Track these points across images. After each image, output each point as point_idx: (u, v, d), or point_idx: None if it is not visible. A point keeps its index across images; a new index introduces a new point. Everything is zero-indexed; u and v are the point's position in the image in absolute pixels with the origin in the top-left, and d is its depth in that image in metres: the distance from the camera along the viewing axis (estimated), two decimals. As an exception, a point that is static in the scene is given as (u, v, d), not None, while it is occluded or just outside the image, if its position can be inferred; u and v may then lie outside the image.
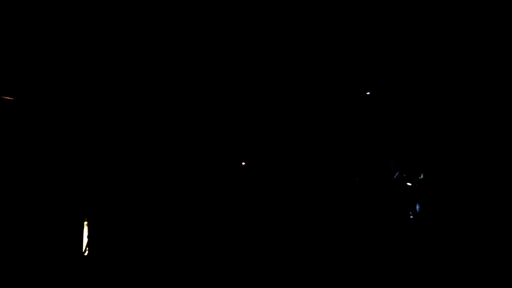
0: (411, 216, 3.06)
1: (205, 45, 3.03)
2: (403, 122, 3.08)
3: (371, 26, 2.96)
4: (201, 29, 2.98)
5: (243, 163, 3.20)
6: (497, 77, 2.97)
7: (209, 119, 3.20)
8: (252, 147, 3.24)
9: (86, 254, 2.96)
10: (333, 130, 3.14)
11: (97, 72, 2.92)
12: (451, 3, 2.87)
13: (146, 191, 3.07)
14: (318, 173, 3.22)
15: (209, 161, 3.18)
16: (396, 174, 3.02)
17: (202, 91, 3.15)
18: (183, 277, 2.97)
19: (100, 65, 2.93)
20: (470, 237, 2.97)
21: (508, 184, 2.94)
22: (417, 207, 3.11)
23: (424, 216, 3.09)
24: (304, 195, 3.20)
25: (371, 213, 3.11)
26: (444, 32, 2.95)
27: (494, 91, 3.00)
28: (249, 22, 2.93)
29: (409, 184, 3.07)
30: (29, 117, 2.80)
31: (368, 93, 3.04)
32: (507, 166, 2.95)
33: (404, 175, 3.09)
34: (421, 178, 3.09)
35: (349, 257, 3.00)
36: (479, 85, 3.01)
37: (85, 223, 3.05)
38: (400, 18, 2.93)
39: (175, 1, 2.88)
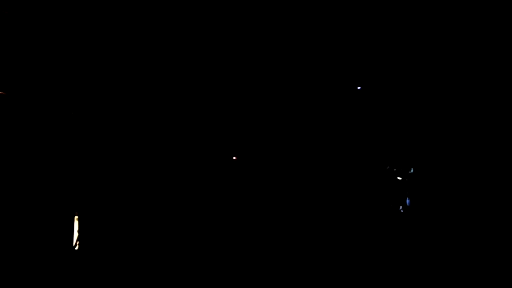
0: (401, 210, 3.08)
1: (192, 41, 3.03)
2: (393, 116, 3.09)
3: (360, 21, 2.97)
4: (187, 24, 2.98)
5: (234, 158, 3.20)
6: (486, 72, 2.98)
7: (201, 114, 3.19)
8: (243, 143, 3.23)
9: (76, 248, 2.96)
10: (323, 124, 3.15)
11: (86, 67, 2.91)
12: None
13: (136, 185, 3.07)
14: (309, 169, 3.22)
15: (200, 155, 3.18)
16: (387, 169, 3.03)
17: (192, 86, 3.14)
18: (176, 274, 2.98)
19: (90, 60, 2.92)
20: (462, 232, 2.99)
21: (499, 179, 2.95)
22: (407, 201, 3.12)
23: (414, 211, 3.10)
24: (294, 190, 3.20)
25: (362, 208, 3.12)
26: (430, 28, 2.96)
27: (483, 86, 3.01)
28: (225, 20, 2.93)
29: (399, 178, 3.09)
30: (19, 111, 2.79)
31: (359, 87, 3.05)
32: (498, 161, 2.97)
33: (394, 170, 3.10)
34: (411, 173, 3.11)
35: (341, 252, 3.01)
36: (468, 79, 3.02)
37: (76, 217, 3.04)
38: (389, 12, 2.94)
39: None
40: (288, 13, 2.95)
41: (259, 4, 2.87)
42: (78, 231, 3.00)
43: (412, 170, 3.04)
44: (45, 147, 2.86)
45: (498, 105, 2.93)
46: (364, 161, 3.12)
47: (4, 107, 2.75)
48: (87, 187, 3.00)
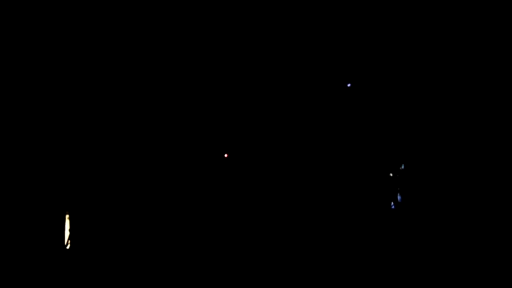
0: (393, 207, 3.08)
1: (180, 41, 3.03)
2: (384, 112, 3.09)
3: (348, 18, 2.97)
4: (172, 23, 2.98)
5: (226, 155, 3.20)
6: (473, 69, 2.99)
7: (193, 112, 3.19)
8: (237, 141, 3.23)
9: (68, 247, 2.95)
10: (314, 122, 3.15)
11: (78, 65, 2.90)
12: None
13: (128, 184, 3.06)
14: (300, 166, 3.22)
15: (191, 153, 3.18)
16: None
17: (184, 85, 3.14)
18: (167, 273, 2.97)
19: (82, 58, 2.91)
20: (454, 229, 2.99)
21: (489, 175, 2.96)
22: (399, 197, 3.13)
23: (406, 207, 3.10)
24: (285, 187, 3.20)
25: (353, 205, 3.12)
26: (415, 25, 2.97)
27: (474, 82, 3.01)
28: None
29: (390, 174, 3.09)
30: (6, 109, 2.78)
31: (349, 84, 3.05)
32: (488, 157, 2.97)
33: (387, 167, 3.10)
34: (402, 169, 3.12)
35: (333, 249, 3.01)
36: (458, 75, 3.03)
37: (67, 216, 3.04)
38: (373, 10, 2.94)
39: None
40: (280, 14, 2.95)
41: (250, 7, 2.87)
42: (70, 230, 2.99)
43: (403, 166, 3.06)
44: (36, 146, 2.85)
45: (485, 103, 2.94)
46: (355, 158, 3.12)
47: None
48: (78, 186, 2.99)
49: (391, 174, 3.06)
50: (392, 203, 3.04)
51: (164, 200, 3.09)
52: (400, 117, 3.04)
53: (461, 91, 2.97)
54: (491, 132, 2.93)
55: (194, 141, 3.14)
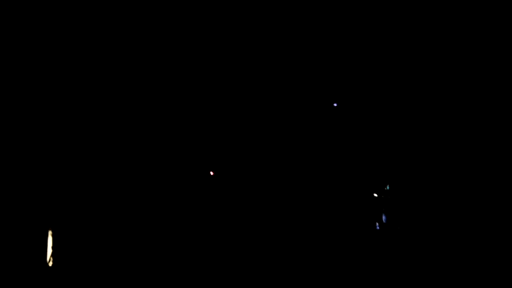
0: (378, 227, 3.08)
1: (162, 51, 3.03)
2: (369, 130, 3.11)
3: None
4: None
5: (212, 173, 3.19)
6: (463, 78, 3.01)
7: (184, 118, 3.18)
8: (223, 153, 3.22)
9: (50, 265, 2.92)
10: (302, 139, 3.15)
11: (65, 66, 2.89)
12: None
13: (112, 200, 3.04)
14: (286, 184, 3.22)
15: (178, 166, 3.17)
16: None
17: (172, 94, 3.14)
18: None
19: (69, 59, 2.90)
20: (439, 248, 3.00)
21: (478, 195, 2.97)
22: (384, 218, 3.13)
23: (391, 227, 3.11)
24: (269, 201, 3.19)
25: (339, 224, 3.12)
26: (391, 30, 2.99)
27: (461, 94, 3.03)
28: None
29: (375, 195, 3.10)
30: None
31: (335, 104, 3.07)
32: (476, 177, 2.99)
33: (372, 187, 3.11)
34: (388, 189, 3.12)
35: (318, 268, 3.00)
36: (443, 87, 3.04)
37: (50, 232, 3.01)
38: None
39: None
40: (278, 16, 2.96)
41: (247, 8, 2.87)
42: (52, 247, 2.96)
43: (388, 187, 3.06)
44: (20, 158, 2.83)
45: (470, 124, 2.96)
46: (341, 179, 3.12)
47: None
48: (61, 202, 2.97)
49: (375, 195, 3.06)
50: (377, 223, 3.04)
51: (154, 211, 3.07)
52: (385, 137, 3.05)
53: (444, 111, 2.99)
54: (474, 153, 2.95)
55: (191, 142, 3.12)
